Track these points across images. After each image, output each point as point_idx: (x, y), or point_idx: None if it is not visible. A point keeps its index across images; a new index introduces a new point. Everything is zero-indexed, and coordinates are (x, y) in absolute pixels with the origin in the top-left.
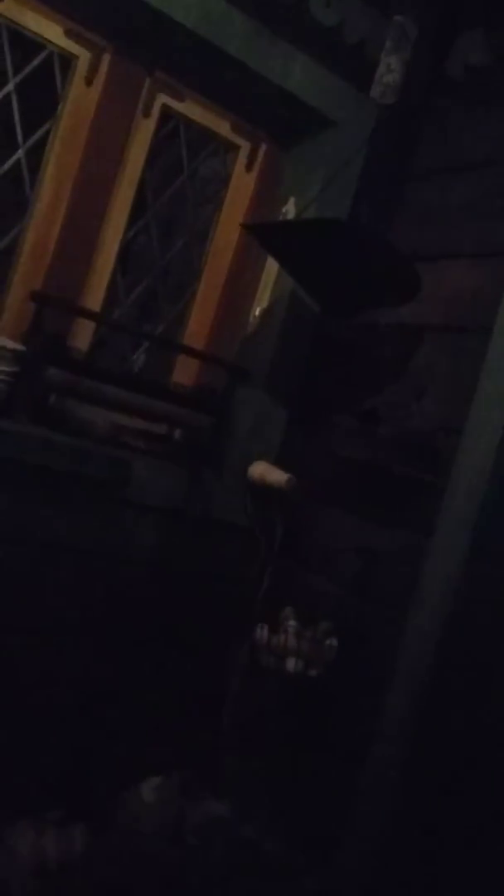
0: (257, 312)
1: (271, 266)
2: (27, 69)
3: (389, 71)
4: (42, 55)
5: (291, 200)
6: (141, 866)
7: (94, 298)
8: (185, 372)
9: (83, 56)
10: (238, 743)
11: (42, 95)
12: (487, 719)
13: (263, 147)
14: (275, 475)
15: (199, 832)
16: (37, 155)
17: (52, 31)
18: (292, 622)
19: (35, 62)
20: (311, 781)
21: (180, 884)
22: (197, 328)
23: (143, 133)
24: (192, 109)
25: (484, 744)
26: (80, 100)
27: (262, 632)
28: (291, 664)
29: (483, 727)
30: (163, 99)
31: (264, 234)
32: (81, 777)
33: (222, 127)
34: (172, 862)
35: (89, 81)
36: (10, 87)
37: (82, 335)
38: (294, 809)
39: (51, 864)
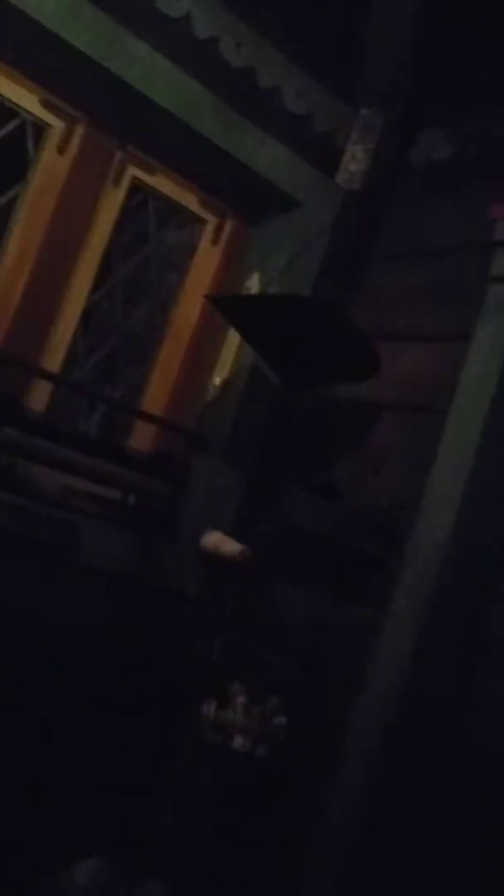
0: (217, 381)
1: (233, 336)
2: (0, 133)
3: (355, 159)
4: (16, 121)
5: (255, 275)
6: None
7: (54, 360)
8: (143, 437)
9: (57, 125)
10: (180, 822)
11: (13, 160)
12: (437, 805)
13: (230, 222)
14: (228, 546)
15: None
16: (4, 217)
17: (28, 99)
18: (241, 698)
19: (8, 128)
20: (253, 865)
21: None
22: (157, 394)
23: (112, 202)
24: (161, 183)
25: (434, 831)
26: (51, 167)
27: (209, 707)
28: (239, 742)
29: (432, 814)
30: (133, 171)
31: (227, 306)
32: (10, 856)
33: (190, 201)
34: None
35: (62, 150)
36: None
37: (40, 396)
38: (236, 893)
39: None
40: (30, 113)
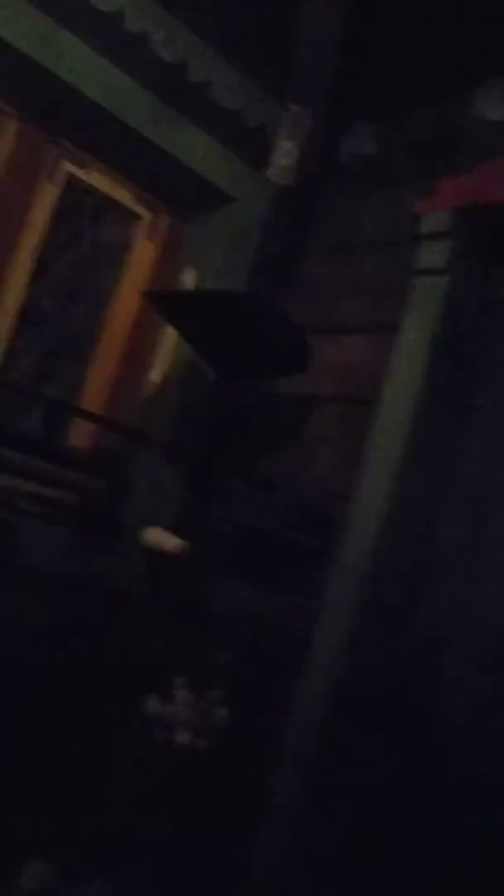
0: (155, 377)
1: (170, 331)
2: None
3: (285, 155)
4: None
5: (191, 270)
6: None
7: None
8: (82, 434)
9: None
10: (126, 820)
11: None
12: (377, 785)
13: (164, 218)
14: (169, 542)
15: None
16: None
17: None
18: (183, 692)
19: None
20: (202, 861)
21: None
22: (95, 391)
23: (47, 198)
24: (96, 178)
25: (375, 811)
26: None
27: (152, 703)
28: (182, 736)
29: (373, 794)
30: (68, 166)
31: (164, 302)
32: None
33: (125, 197)
34: None
35: None
36: None
37: None
38: (185, 890)
39: None
40: None
